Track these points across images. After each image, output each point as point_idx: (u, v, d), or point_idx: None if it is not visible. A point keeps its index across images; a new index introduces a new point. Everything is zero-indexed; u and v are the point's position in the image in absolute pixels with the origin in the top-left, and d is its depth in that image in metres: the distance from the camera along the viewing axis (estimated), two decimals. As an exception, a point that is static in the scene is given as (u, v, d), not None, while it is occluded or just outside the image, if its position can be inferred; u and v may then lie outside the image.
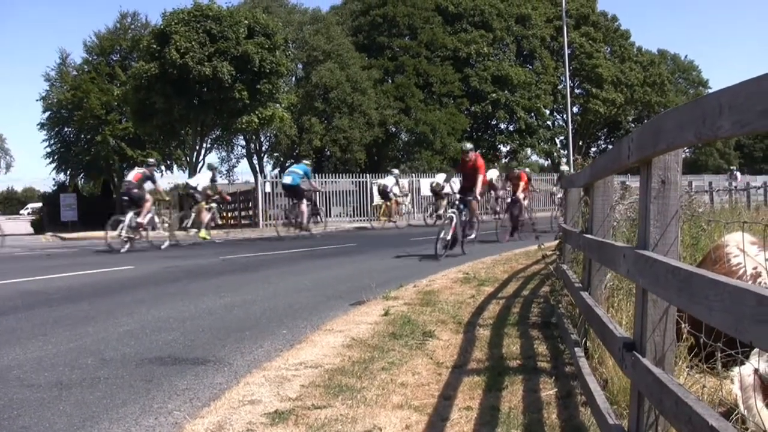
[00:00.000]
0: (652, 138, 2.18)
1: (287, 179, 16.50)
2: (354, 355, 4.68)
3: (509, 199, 15.86)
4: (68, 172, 36.71)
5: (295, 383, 4.04)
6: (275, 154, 36.63)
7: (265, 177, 29.53)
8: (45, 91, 34.98)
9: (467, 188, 11.64)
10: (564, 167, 19.39)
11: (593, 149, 50.36)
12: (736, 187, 19.68)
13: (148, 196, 14.36)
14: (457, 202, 11.49)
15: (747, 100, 1.36)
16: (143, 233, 14.36)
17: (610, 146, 42.15)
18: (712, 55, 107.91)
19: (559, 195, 17.22)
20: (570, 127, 33.78)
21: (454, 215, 11.20)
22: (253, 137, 34.24)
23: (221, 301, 7.18)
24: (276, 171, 35.21)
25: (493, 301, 6.78)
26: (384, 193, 22.28)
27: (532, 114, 39.79)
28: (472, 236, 12.11)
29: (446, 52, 36.78)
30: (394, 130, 35.46)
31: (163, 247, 14.43)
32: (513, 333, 5.27)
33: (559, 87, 41.35)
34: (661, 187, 2.26)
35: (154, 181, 14.62)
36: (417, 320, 5.80)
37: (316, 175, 23.66)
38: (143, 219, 14.02)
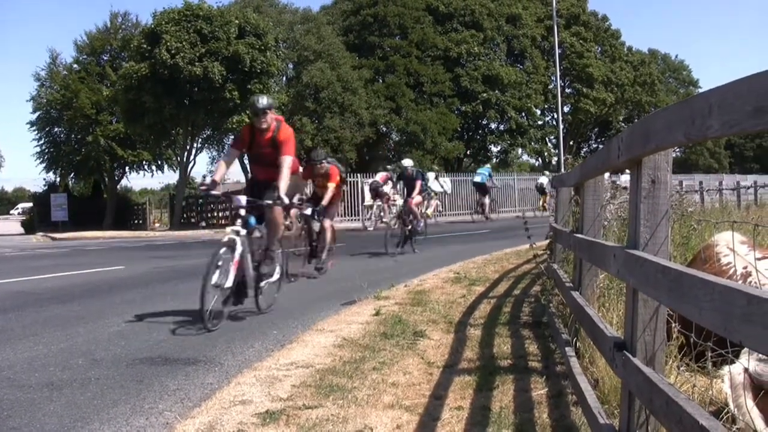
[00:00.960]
0: (642, 138, 2.18)
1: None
2: (345, 354, 4.68)
3: (308, 210, 9.29)
4: (59, 172, 36.45)
5: (286, 383, 4.03)
6: (266, 154, 36.46)
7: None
8: (35, 90, 34.73)
9: (265, 183, 6.33)
10: (406, 162, 13.55)
11: (584, 149, 50.46)
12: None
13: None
14: (243, 213, 6.03)
15: (736, 100, 1.36)
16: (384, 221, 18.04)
17: (601, 146, 42.20)
18: (702, 54, 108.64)
19: (396, 197, 14.54)
20: (561, 126, 33.89)
21: (237, 240, 5.82)
22: (244, 137, 34.05)
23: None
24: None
25: (484, 301, 6.79)
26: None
27: (523, 114, 39.79)
28: (273, 278, 6.58)
29: (437, 52, 36.74)
30: (384, 129, 35.39)
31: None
32: (504, 332, 5.28)
33: (550, 87, 41.38)
34: (651, 187, 2.26)
35: (394, 182, 17.94)
36: (408, 320, 5.80)
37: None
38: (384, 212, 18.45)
